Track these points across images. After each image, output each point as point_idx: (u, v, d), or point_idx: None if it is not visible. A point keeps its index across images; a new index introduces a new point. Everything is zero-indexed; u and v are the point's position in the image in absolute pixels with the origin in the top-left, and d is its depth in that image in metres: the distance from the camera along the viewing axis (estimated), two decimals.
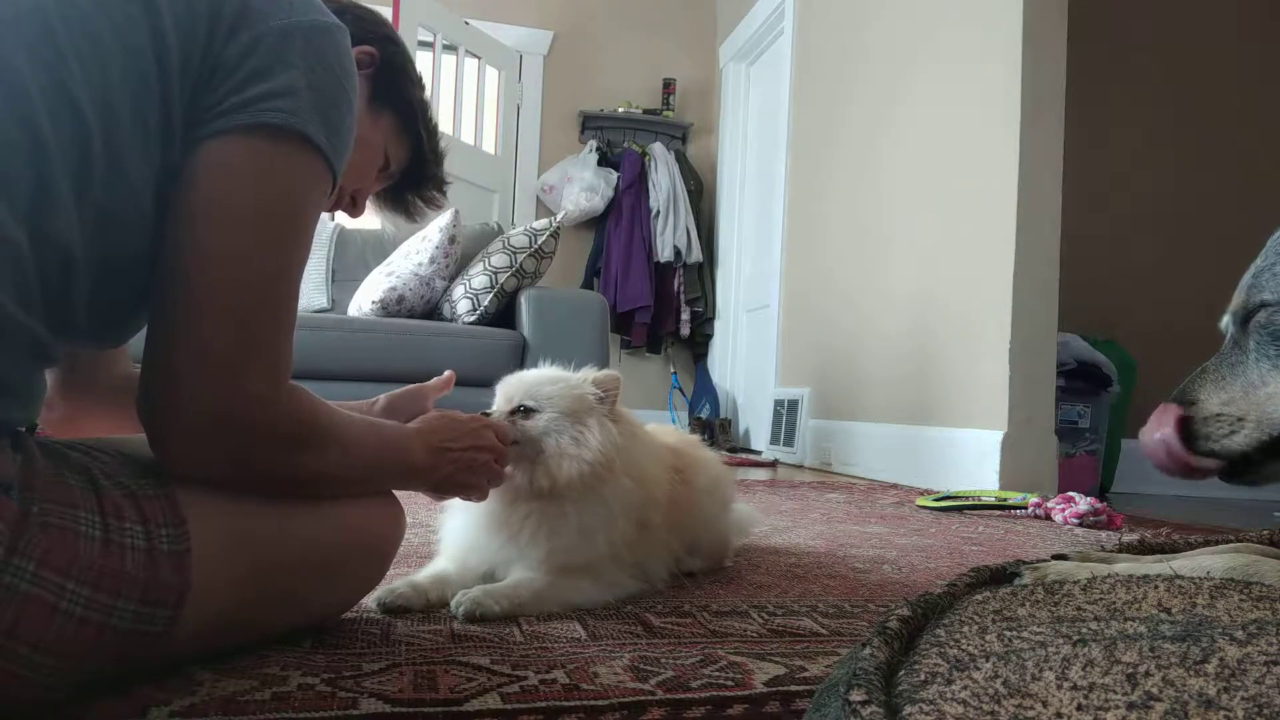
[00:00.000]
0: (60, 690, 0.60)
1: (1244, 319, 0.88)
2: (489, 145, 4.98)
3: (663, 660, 0.80)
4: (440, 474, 0.88)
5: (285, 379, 0.70)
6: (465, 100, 4.75)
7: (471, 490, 0.94)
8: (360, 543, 0.84)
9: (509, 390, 1.05)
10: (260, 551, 0.72)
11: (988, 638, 0.61)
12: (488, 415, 1.01)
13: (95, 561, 0.59)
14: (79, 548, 0.58)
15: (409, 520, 1.50)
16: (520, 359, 2.93)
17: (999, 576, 0.90)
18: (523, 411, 1.02)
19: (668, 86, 5.28)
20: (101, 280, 0.66)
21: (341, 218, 5.80)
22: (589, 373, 1.08)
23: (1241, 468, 0.84)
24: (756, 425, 4.73)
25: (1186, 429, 0.86)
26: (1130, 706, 0.43)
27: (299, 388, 0.73)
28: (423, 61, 4.39)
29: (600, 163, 5.04)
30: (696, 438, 1.31)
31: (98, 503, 0.61)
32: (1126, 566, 0.92)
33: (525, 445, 1.01)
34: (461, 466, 0.89)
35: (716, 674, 0.77)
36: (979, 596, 0.76)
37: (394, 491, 0.90)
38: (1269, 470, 0.85)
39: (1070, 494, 2.16)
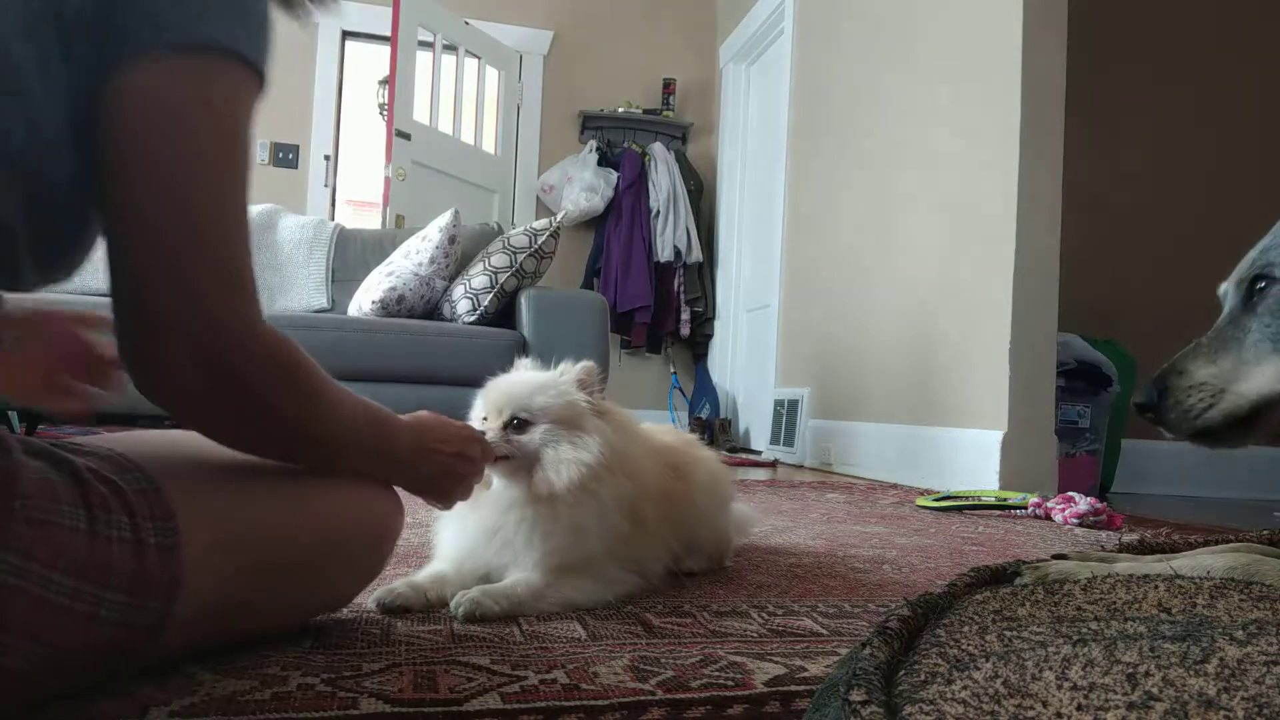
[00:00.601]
0: (55, 683, 0.60)
1: (1247, 293, 0.88)
2: (489, 145, 4.98)
3: (663, 660, 0.80)
4: (419, 473, 0.87)
5: (258, 299, 0.69)
6: (465, 100, 4.75)
7: (442, 499, 0.92)
8: (357, 536, 0.84)
9: (497, 401, 1.03)
10: (253, 546, 0.71)
11: (988, 638, 0.61)
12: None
13: (81, 553, 0.58)
14: (63, 540, 0.58)
15: (409, 520, 1.50)
16: (519, 356, 2.93)
17: (999, 576, 0.90)
18: (515, 424, 1.01)
19: (668, 86, 5.28)
20: (44, 238, 0.65)
21: (340, 215, 5.78)
22: (569, 369, 1.06)
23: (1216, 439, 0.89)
24: (756, 425, 4.73)
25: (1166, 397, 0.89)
26: (1130, 706, 0.43)
27: (288, 338, 0.72)
28: (422, 61, 4.40)
29: (600, 163, 5.04)
30: (694, 437, 1.30)
31: (82, 496, 0.60)
32: (1127, 566, 0.92)
33: (522, 459, 1.00)
34: (441, 472, 0.88)
35: (716, 674, 0.77)
36: (979, 596, 0.76)
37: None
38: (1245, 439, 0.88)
39: (1070, 494, 2.16)
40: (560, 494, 0.98)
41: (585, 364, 1.07)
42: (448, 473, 0.89)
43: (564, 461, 0.98)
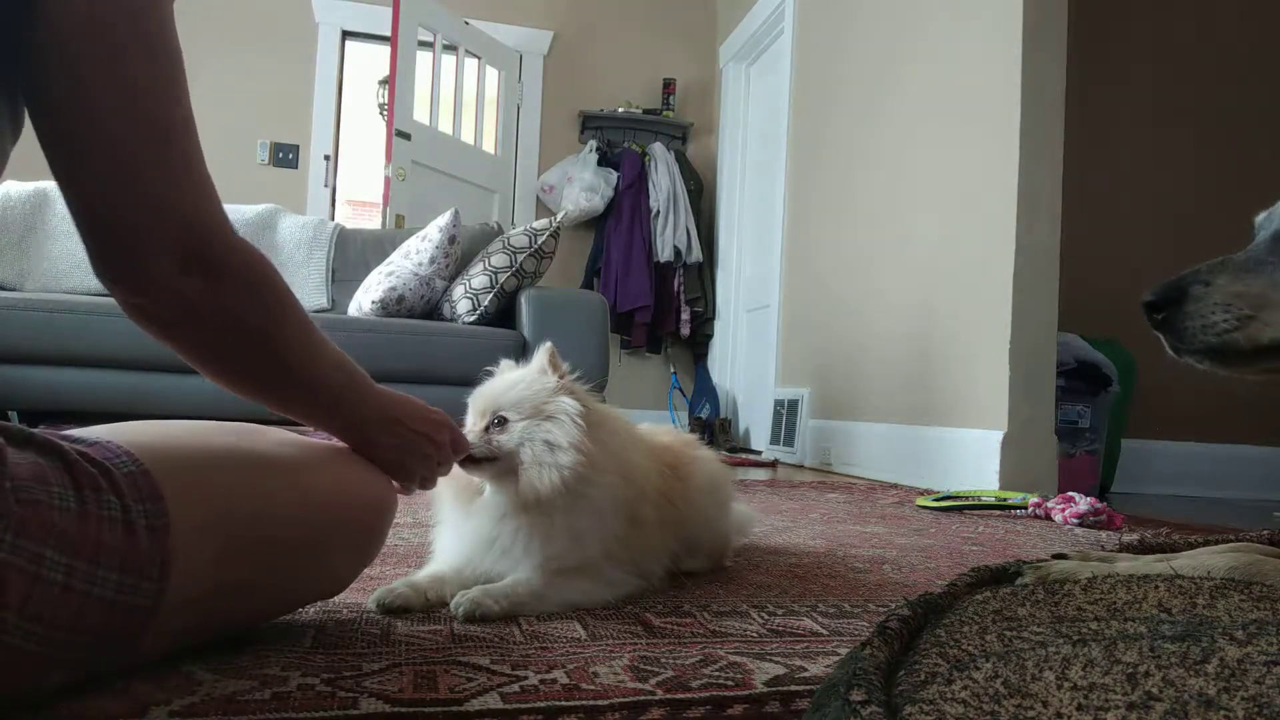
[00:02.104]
0: (57, 668, 0.60)
1: None
2: (489, 145, 4.99)
3: (663, 660, 0.80)
4: (379, 440, 0.86)
5: (223, 207, 0.71)
6: (465, 100, 4.75)
7: (402, 474, 0.90)
8: (349, 519, 0.84)
9: (480, 405, 1.04)
10: (244, 528, 0.71)
11: (988, 638, 0.61)
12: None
13: (72, 531, 0.59)
14: (55, 518, 0.58)
15: (409, 520, 1.50)
16: (520, 359, 2.93)
17: (999, 576, 0.90)
18: (497, 423, 1.01)
19: (668, 86, 5.28)
20: None
21: (340, 215, 5.76)
22: (539, 358, 1.07)
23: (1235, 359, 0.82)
24: (756, 425, 4.73)
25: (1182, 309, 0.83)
26: (1130, 706, 0.43)
27: (264, 255, 0.74)
28: (422, 61, 4.40)
29: (600, 163, 5.04)
30: (694, 437, 1.30)
31: (71, 477, 0.61)
32: (1127, 566, 0.92)
33: (503, 460, 0.99)
34: (404, 447, 0.88)
35: (716, 674, 0.77)
36: (979, 596, 0.76)
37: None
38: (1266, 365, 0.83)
39: (1070, 494, 2.16)
40: (545, 499, 0.97)
41: (544, 345, 1.07)
42: (411, 450, 0.88)
43: (544, 465, 0.98)
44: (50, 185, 3.39)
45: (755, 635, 0.91)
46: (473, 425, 1.02)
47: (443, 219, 3.22)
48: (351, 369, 0.83)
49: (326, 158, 4.95)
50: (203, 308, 0.69)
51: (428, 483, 0.94)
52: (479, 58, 4.79)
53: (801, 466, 3.81)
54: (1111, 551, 1.07)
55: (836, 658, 0.82)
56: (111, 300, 0.69)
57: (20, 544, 0.56)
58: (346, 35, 5.07)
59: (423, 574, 1.01)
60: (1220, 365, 0.84)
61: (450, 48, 4.62)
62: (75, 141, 0.65)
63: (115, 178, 0.65)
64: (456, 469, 0.99)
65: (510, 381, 1.05)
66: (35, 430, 0.65)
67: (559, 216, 3.26)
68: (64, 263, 3.29)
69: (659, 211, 5.02)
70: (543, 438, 0.99)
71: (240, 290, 0.71)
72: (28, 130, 0.67)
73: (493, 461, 0.99)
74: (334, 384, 0.82)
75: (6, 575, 0.55)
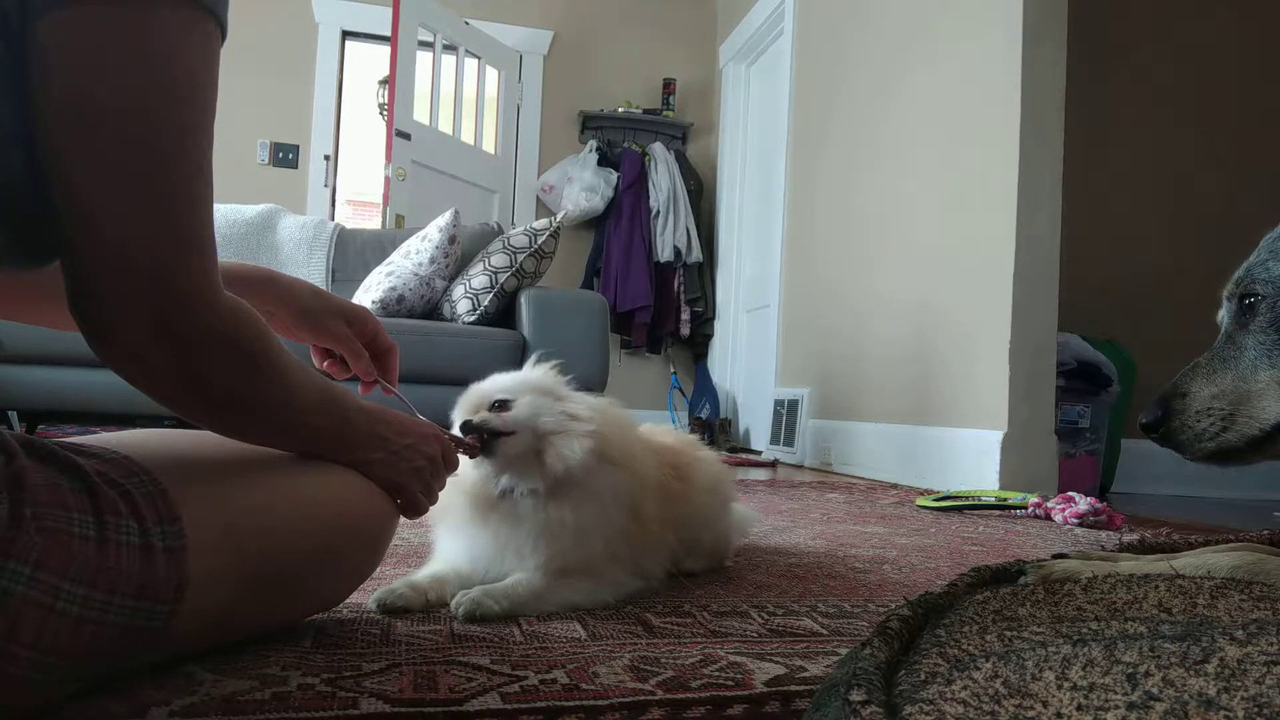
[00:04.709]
0: (62, 687, 0.60)
1: (1238, 311, 0.89)
2: (489, 145, 4.99)
3: (663, 660, 0.80)
4: (365, 456, 0.83)
5: (217, 267, 0.65)
6: (465, 100, 4.75)
7: (395, 491, 0.87)
8: (356, 534, 0.83)
9: (476, 398, 1.02)
10: (252, 543, 0.71)
11: (988, 638, 0.61)
12: (470, 422, 0.97)
13: (91, 561, 0.58)
14: (74, 549, 0.57)
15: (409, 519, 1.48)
16: (520, 359, 2.93)
17: (1000, 576, 0.90)
18: (498, 405, 0.99)
19: (668, 86, 5.29)
20: (11, 224, 0.62)
21: (340, 215, 5.76)
22: (530, 364, 1.08)
23: (1231, 458, 0.87)
24: (756, 425, 4.73)
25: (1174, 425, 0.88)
26: (1130, 706, 0.43)
27: (248, 305, 0.69)
28: (423, 61, 4.40)
29: (600, 163, 5.04)
30: (695, 437, 1.30)
31: (92, 502, 0.60)
32: (1130, 566, 0.92)
33: (520, 435, 0.98)
34: (389, 461, 0.85)
35: (716, 674, 0.76)
36: (979, 596, 0.76)
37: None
38: (1257, 457, 0.87)
39: (1070, 494, 2.16)
40: (575, 468, 0.96)
41: (549, 363, 1.08)
42: (397, 463, 0.86)
43: (570, 433, 0.97)
44: None
45: (755, 635, 0.91)
46: (472, 413, 0.99)
47: (443, 219, 3.22)
48: (332, 394, 0.79)
49: (326, 158, 4.95)
50: (166, 372, 0.64)
51: (429, 498, 0.91)
52: (479, 58, 4.79)
53: (801, 466, 3.81)
54: (1112, 551, 1.07)
55: (836, 658, 0.82)
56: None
57: (39, 577, 0.55)
58: (346, 35, 5.07)
59: (423, 574, 1.01)
60: (1232, 464, 0.89)
61: (450, 48, 4.62)
62: (64, 199, 0.58)
63: (90, 243, 0.59)
64: (470, 468, 0.98)
65: (509, 375, 1.05)
66: (56, 445, 0.64)
67: (559, 216, 3.26)
68: None
69: (659, 211, 5.02)
70: (560, 409, 0.99)
71: (212, 357, 0.65)
72: None
73: (510, 436, 0.97)
74: (317, 421, 0.78)
75: (23, 611, 0.54)
